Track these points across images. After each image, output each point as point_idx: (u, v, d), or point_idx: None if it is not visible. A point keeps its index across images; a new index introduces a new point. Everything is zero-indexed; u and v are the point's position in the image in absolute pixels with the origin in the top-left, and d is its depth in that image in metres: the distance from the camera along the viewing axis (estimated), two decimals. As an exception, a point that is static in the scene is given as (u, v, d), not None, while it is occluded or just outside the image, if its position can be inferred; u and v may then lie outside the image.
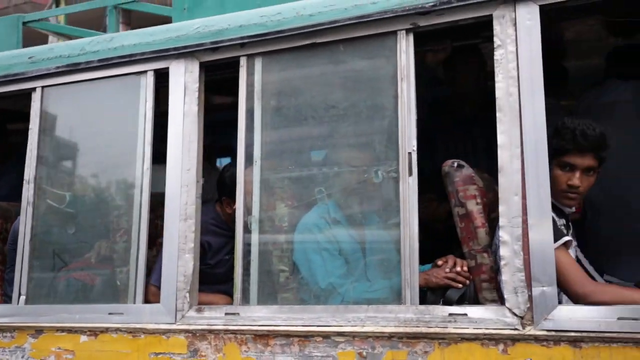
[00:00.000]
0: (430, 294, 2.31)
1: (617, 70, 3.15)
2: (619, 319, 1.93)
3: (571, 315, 1.99)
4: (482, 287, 2.22)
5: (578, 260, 2.58)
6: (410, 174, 2.27)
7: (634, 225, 2.98)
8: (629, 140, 3.00)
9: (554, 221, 2.19)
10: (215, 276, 2.82)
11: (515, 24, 2.19)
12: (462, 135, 3.45)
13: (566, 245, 2.18)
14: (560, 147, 2.22)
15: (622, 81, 3.12)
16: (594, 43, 3.32)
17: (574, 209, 2.39)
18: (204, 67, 2.71)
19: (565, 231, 2.30)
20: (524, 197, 2.09)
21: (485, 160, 2.88)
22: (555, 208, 2.31)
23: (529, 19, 2.17)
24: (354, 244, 2.48)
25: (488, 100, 3.33)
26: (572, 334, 1.97)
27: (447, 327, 2.13)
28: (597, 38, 3.25)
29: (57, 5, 10.00)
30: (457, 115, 3.50)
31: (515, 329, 2.04)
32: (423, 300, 2.31)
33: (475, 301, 2.24)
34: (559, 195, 2.28)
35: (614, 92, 3.12)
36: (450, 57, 3.32)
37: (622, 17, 2.59)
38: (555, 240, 2.10)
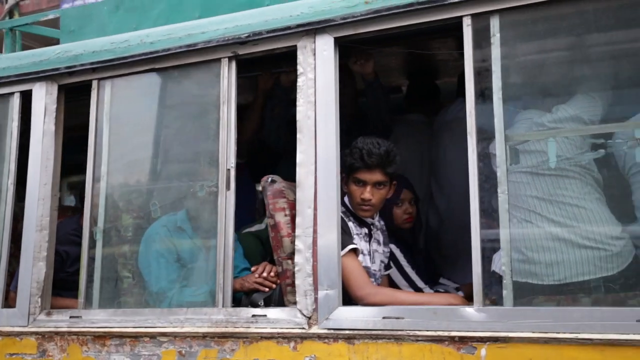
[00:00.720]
0: (245, 298, 2.55)
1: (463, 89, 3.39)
2: (383, 318, 2.18)
3: (347, 315, 2.23)
4: (287, 290, 2.45)
5: (398, 265, 2.84)
6: (228, 188, 2.51)
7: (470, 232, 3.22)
8: (465, 154, 3.25)
9: (347, 230, 2.43)
10: (74, 283, 3.03)
11: (314, 54, 2.44)
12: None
13: (356, 252, 2.42)
14: (352, 165, 2.46)
15: (462, 99, 3.36)
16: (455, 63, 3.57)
17: (376, 219, 2.63)
18: (64, 90, 2.93)
19: (366, 240, 2.55)
20: (315, 210, 2.33)
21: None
22: (357, 219, 2.56)
23: (325, 50, 2.42)
24: (192, 251, 2.70)
25: (359, 114, 3.61)
26: (347, 332, 2.21)
27: (249, 327, 2.36)
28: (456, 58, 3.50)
29: (11, 17, 10.18)
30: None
31: (303, 328, 2.27)
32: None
33: (281, 303, 2.48)
34: (357, 208, 2.53)
35: (455, 110, 3.37)
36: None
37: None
38: (343, 248, 2.34)
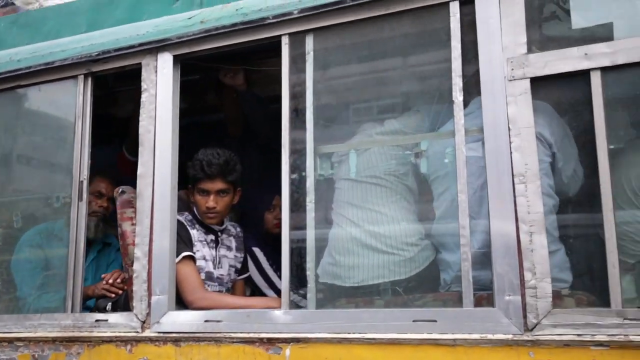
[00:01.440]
0: (96, 303, 2.68)
1: None
2: (205, 321, 2.30)
3: (176, 319, 2.36)
4: (131, 296, 2.58)
5: (260, 267, 2.97)
6: (81, 199, 2.63)
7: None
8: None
9: (185, 238, 2.56)
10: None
11: (156, 72, 2.56)
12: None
13: (193, 259, 2.55)
14: (195, 176, 2.60)
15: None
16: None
17: (226, 225, 2.78)
18: None
19: (212, 246, 2.68)
20: (152, 219, 2.46)
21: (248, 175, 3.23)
22: (204, 226, 2.69)
23: (165, 67, 2.55)
24: (59, 259, 2.82)
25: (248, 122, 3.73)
26: (174, 334, 2.34)
27: (93, 332, 2.49)
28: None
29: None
30: (227, 136, 3.89)
31: (137, 332, 2.40)
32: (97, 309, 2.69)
33: (127, 308, 2.60)
34: (203, 216, 2.66)
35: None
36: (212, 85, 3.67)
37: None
38: (178, 254, 2.47)
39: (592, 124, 1.87)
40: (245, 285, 2.98)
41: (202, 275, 2.60)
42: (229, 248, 2.76)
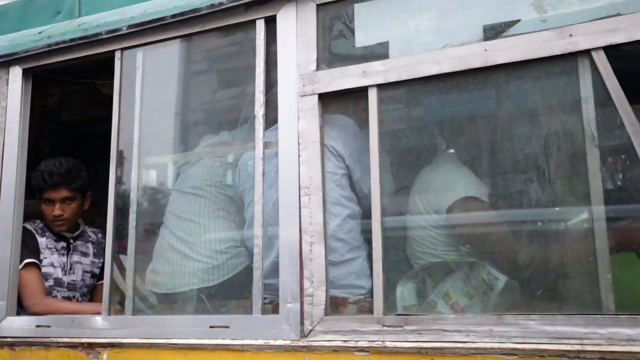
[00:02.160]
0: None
1: None
2: (37, 326, 2.39)
3: (12, 325, 2.45)
4: (-17, 302, 2.66)
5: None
6: None
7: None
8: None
9: (30, 246, 2.65)
10: None
11: (7, 84, 2.65)
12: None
13: (38, 266, 2.64)
14: (38, 186, 2.68)
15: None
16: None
17: (81, 231, 2.87)
18: None
19: (62, 253, 2.77)
20: (-4, 228, 2.55)
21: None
22: (55, 234, 2.78)
23: (15, 80, 2.63)
24: None
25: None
26: (10, 339, 2.43)
27: (-58, 336, 2.57)
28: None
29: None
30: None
31: (-23, 337, 2.49)
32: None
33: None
34: (52, 224, 2.75)
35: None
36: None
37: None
38: (22, 261, 2.56)
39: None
40: (115, 291, 3.06)
41: (51, 282, 2.69)
42: (84, 254, 2.85)
